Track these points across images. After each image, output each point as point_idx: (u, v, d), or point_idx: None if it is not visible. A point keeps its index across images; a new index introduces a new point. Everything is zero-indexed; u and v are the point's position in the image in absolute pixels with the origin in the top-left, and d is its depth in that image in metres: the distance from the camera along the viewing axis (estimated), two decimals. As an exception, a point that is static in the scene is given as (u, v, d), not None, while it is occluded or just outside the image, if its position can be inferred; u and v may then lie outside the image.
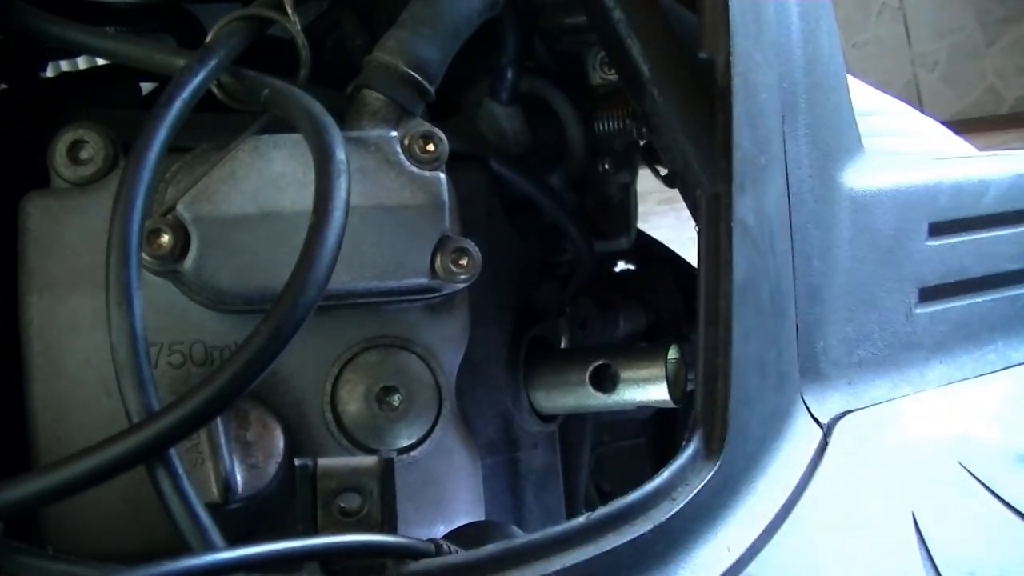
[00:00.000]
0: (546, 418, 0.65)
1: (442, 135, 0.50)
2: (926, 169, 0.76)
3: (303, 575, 0.38)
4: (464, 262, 0.50)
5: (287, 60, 0.52)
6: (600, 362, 0.60)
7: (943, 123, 1.18)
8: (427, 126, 0.50)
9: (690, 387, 0.60)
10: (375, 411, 0.51)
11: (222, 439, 0.47)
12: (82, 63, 0.82)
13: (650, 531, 0.46)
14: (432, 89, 0.53)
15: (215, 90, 0.50)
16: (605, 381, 0.61)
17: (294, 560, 0.38)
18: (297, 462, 0.42)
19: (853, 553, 0.51)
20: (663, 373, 0.59)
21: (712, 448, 0.52)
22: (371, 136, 0.50)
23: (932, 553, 0.51)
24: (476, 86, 0.65)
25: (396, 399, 0.51)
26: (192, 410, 0.39)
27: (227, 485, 0.46)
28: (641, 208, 0.76)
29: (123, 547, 0.47)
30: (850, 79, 0.74)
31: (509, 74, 0.62)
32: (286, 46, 0.52)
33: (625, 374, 0.60)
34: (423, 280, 0.49)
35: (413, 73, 0.51)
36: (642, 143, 0.70)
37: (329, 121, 0.46)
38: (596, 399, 0.61)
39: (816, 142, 0.66)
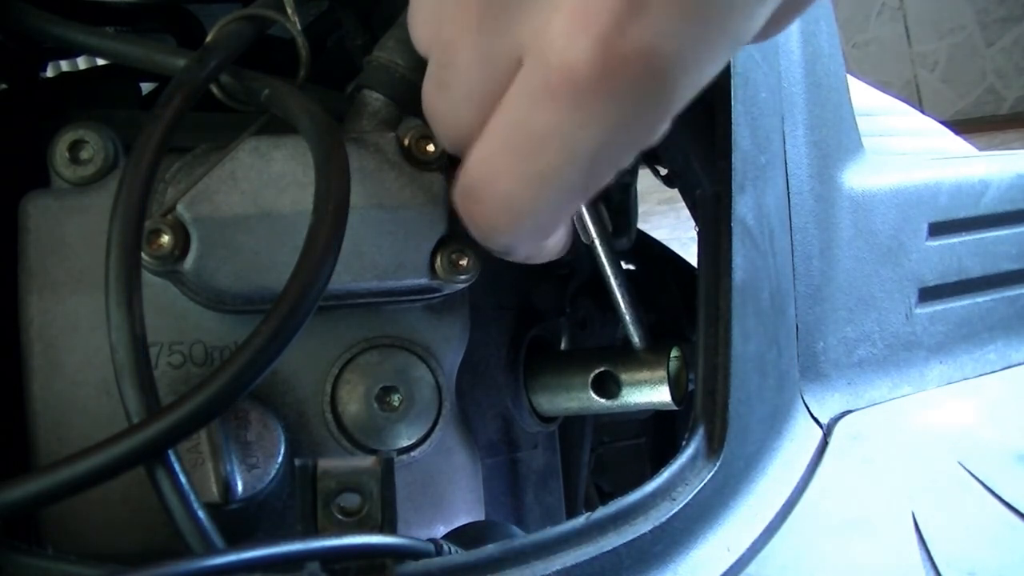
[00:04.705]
0: (546, 418, 0.65)
1: (442, 135, 0.50)
2: (926, 169, 0.76)
3: (303, 575, 0.38)
4: (464, 262, 0.50)
5: (287, 60, 0.52)
6: (602, 369, 0.60)
7: (943, 123, 1.18)
8: (427, 126, 0.50)
9: (690, 387, 0.60)
10: (375, 411, 0.51)
11: (222, 439, 0.47)
12: (82, 63, 0.82)
13: (650, 531, 0.46)
14: (432, 89, 0.53)
15: (215, 90, 0.50)
16: (607, 387, 0.61)
17: (294, 560, 0.38)
18: (297, 462, 0.42)
19: (853, 553, 0.51)
20: (665, 376, 0.59)
21: (712, 448, 0.52)
22: (371, 136, 0.50)
23: (932, 553, 0.51)
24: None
25: (396, 399, 0.51)
26: (192, 410, 0.39)
27: (227, 485, 0.46)
28: (641, 208, 0.76)
29: (123, 547, 0.47)
30: (850, 79, 0.74)
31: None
32: (286, 46, 0.52)
33: (627, 379, 0.60)
34: (423, 280, 0.49)
35: (413, 73, 0.51)
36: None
37: (329, 121, 0.46)
38: (599, 404, 0.61)
39: (816, 142, 0.66)
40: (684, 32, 0.31)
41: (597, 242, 0.60)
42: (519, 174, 0.35)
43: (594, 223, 0.60)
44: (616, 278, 0.60)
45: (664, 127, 0.34)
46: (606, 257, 0.60)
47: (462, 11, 0.34)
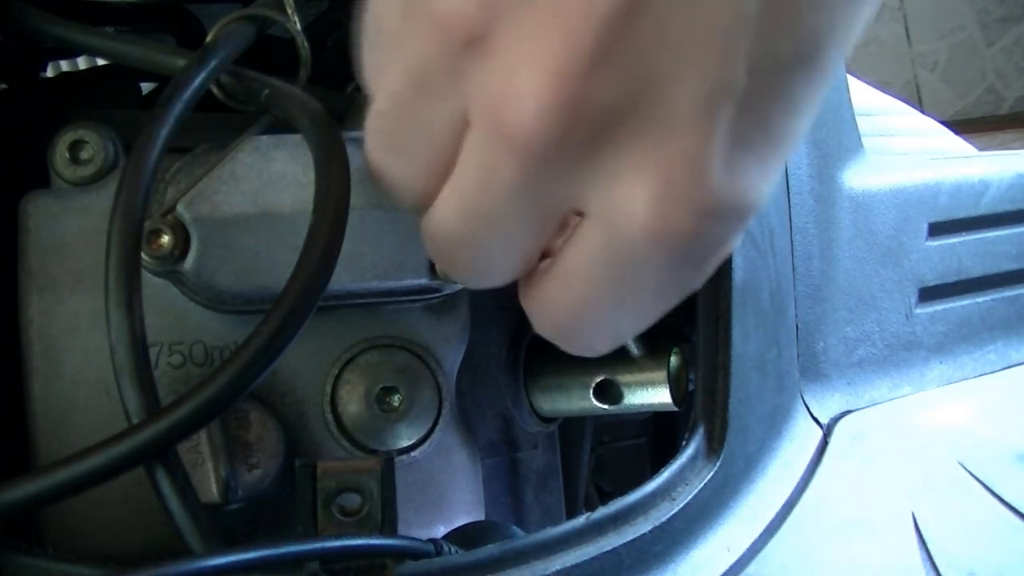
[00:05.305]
0: (546, 418, 0.65)
1: (442, 135, 0.50)
2: (926, 169, 0.76)
3: (303, 575, 0.38)
4: (464, 262, 0.50)
5: (287, 60, 0.52)
6: (602, 377, 0.60)
7: (943, 123, 1.18)
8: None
9: (690, 387, 0.60)
10: (375, 411, 0.51)
11: (222, 439, 0.47)
12: (82, 63, 0.82)
13: (650, 531, 0.46)
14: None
15: (215, 90, 0.50)
16: (608, 393, 0.61)
17: (294, 560, 0.38)
18: (297, 462, 0.42)
19: (853, 553, 0.51)
20: (665, 378, 0.59)
21: (712, 448, 0.52)
22: (371, 136, 0.50)
23: (932, 553, 0.51)
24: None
25: (396, 399, 0.51)
26: (192, 410, 0.39)
27: (227, 485, 0.46)
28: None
29: (123, 547, 0.47)
30: (850, 79, 0.74)
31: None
32: (286, 46, 0.52)
33: (627, 383, 0.60)
34: (423, 280, 0.49)
35: (413, 73, 0.51)
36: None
37: (329, 121, 0.46)
38: (599, 408, 0.61)
39: (816, 142, 0.66)
40: (769, 174, 0.30)
41: None
42: (612, 317, 0.33)
43: None
44: None
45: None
46: None
47: (507, 170, 0.28)
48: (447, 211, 0.32)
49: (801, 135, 0.31)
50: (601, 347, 0.35)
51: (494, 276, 0.34)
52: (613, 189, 0.29)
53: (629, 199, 0.28)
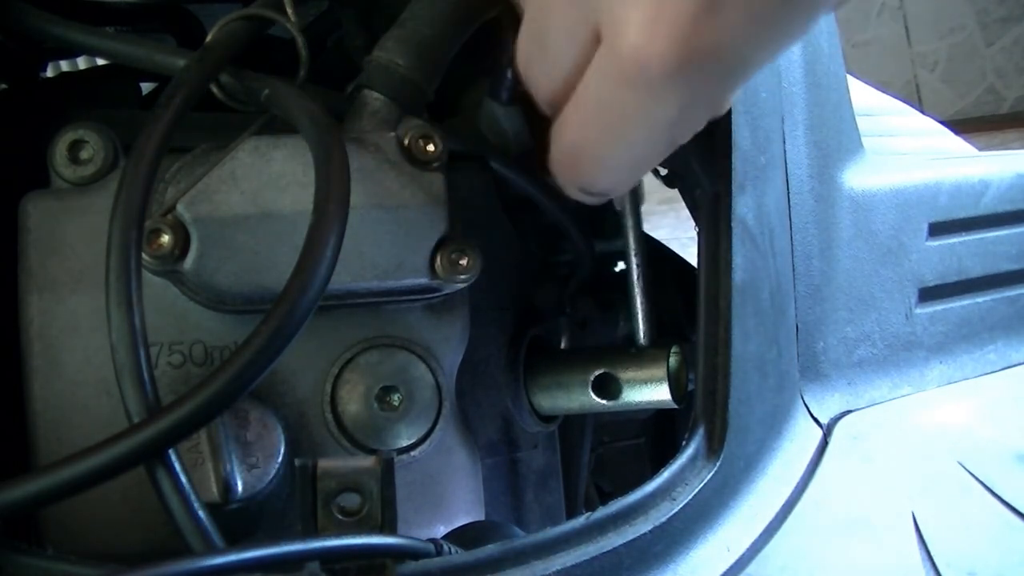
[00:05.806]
0: (546, 418, 0.65)
1: (442, 135, 0.50)
2: (926, 169, 0.76)
3: (303, 575, 0.38)
4: (464, 262, 0.50)
5: (287, 60, 0.52)
6: (602, 371, 0.60)
7: (943, 123, 1.18)
8: (427, 126, 0.50)
9: (690, 387, 0.60)
10: (375, 411, 0.51)
11: (222, 439, 0.47)
12: (82, 63, 0.82)
13: (650, 531, 0.46)
14: (432, 89, 0.53)
15: (215, 90, 0.50)
16: (608, 388, 0.61)
17: (294, 560, 0.38)
18: (297, 462, 0.42)
19: (853, 553, 0.51)
20: (665, 375, 0.59)
21: (712, 448, 0.52)
22: (371, 136, 0.50)
23: (932, 553, 0.51)
24: (476, 86, 0.65)
25: (396, 399, 0.51)
26: (192, 410, 0.39)
27: (227, 485, 0.46)
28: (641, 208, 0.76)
29: (123, 547, 0.47)
30: (850, 79, 0.74)
31: (509, 74, 0.61)
32: (286, 46, 0.52)
33: (627, 379, 0.60)
34: (423, 280, 0.49)
35: (413, 73, 0.51)
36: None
37: (329, 121, 0.46)
38: (599, 404, 0.61)
39: (816, 142, 0.66)
40: (754, 31, 0.33)
41: (628, 208, 0.60)
42: (608, 141, 0.38)
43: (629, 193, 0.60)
44: (637, 255, 0.60)
45: (732, 98, 0.38)
46: (633, 232, 0.60)
47: None
48: (521, 39, 0.41)
49: (810, 16, 0.34)
50: (604, 181, 0.41)
51: (551, 86, 0.40)
52: (622, 9, 0.34)
53: (627, 21, 0.33)
